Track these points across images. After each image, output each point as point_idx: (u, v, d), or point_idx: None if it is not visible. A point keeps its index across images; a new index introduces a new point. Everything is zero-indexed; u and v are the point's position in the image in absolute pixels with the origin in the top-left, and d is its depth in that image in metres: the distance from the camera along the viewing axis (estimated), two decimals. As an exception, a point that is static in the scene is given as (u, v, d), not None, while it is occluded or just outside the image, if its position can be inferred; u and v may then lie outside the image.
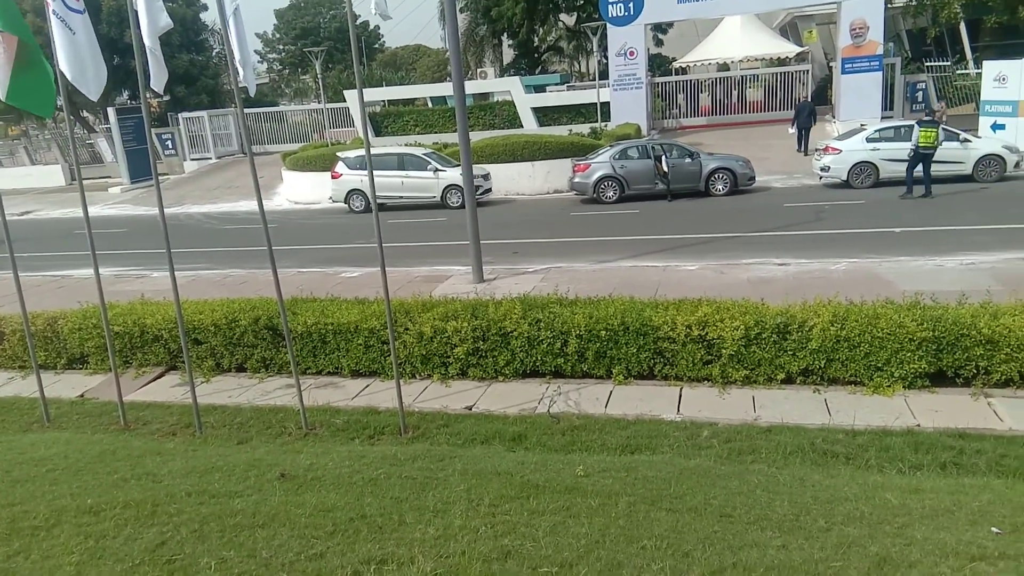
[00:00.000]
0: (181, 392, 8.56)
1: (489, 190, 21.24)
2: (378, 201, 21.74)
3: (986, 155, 17.70)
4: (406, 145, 24.17)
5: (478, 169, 21.25)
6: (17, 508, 4.73)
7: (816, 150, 19.66)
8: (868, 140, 18.12)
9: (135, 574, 3.72)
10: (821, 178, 19.15)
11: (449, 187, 20.47)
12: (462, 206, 19.89)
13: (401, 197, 21.15)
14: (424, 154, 20.87)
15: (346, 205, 21.57)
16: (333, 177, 21.47)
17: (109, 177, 33.02)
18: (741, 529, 4.24)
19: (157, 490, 5.00)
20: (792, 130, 24.14)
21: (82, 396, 8.89)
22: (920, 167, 16.66)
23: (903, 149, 17.23)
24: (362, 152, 21.71)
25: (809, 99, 25.68)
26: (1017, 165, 17.74)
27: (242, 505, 4.63)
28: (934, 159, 16.87)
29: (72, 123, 9.14)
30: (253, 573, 3.68)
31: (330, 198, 22.14)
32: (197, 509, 4.56)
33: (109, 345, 8.06)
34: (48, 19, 6.72)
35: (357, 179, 20.69)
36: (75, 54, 6.78)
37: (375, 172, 20.61)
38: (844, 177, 18.44)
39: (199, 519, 4.38)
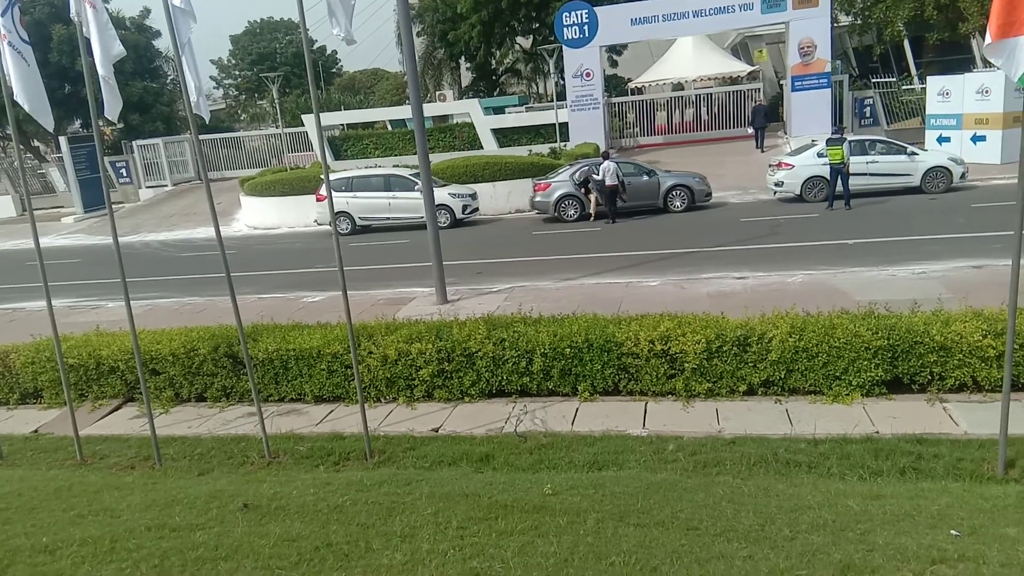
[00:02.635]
0: (139, 424, 8.37)
1: (477, 209, 21.25)
2: (365, 223, 21.51)
3: (933, 167, 18.30)
4: (366, 168, 24.07)
5: (465, 188, 21.33)
6: (-32, 550, 4.57)
7: (770, 166, 20.11)
8: (819, 155, 18.53)
9: (93, 613, 3.62)
10: (776, 193, 19.55)
11: (437, 207, 20.39)
12: (451, 225, 19.99)
13: (388, 218, 21.04)
14: (411, 174, 20.72)
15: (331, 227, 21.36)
16: (318, 200, 21.28)
17: (62, 207, 32.30)
18: (708, 541, 4.27)
19: (116, 526, 4.87)
20: (750, 130, 26.85)
21: (36, 432, 8.63)
22: (839, 182, 17.48)
23: (855, 163, 17.84)
24: (347, 174, 21.62)
25: (764, 103, 27.55)
26: (963, 176, 18.35)
27: (204, 538, 4.53)
28: (885, 172, 17.81)
29: (21, 152, 8.96)
30: (216, 607, 3.59)
31: (316, 221, 21.98)
32: (157, 544, 4.45)
33: (63, 378, 7.85)
34: (3, 51, 6.62)
35: (343, 201, 20.50)
36: (29, 86, 6.71)
37: (363, 194, 20.88)
38: (797, 191, 18.90)
39: (160, 554, 4.28)
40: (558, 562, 3.97)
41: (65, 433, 8.03)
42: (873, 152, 18.63)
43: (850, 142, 18.09)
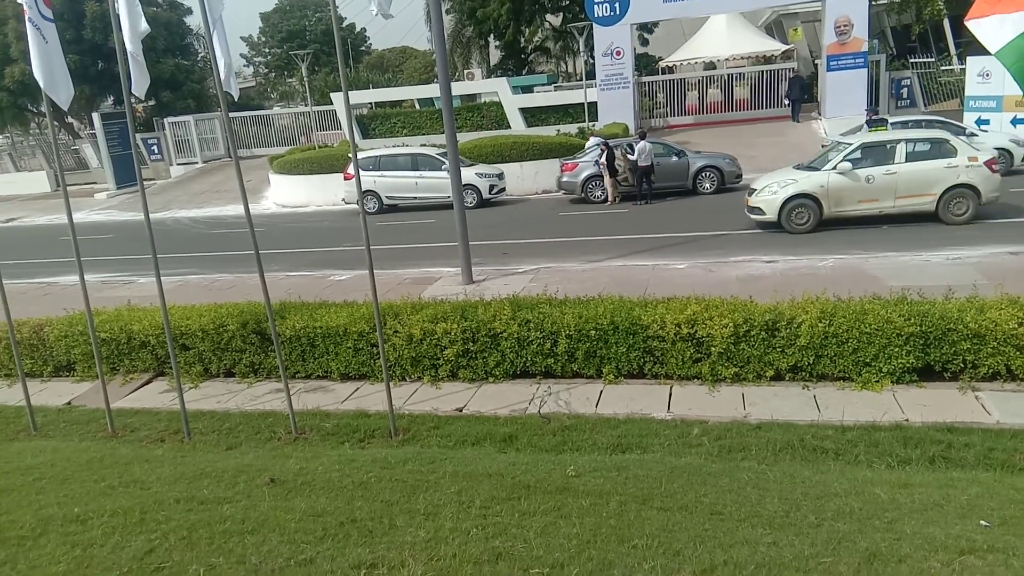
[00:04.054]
0: (169, 398, 8.51)
1: (503, 189, 21.19)
2: (392, 202, 21.56)
3: (995, 149, 17.53)
4: (394, 147, 24.08)
5: (492, 168, 21.23)
6: (3, 518, 4.69)
7: (823, 147, 19.44)
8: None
9: (123, 583, 3.69)
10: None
11: (464, 187, 20.39)
12: (478, 206, 19.95)
13: (415, 198, 21.01)
14: (438, 154, 20.66)
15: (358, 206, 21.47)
16: (345, 178, 21.33)
17: (95, 183, 32.79)
18: (732, 527, 4.24)
19: (145, 497, 4.96)
20: (786, 102, 27.03)
21: (69, 404, 8.82)
22: None
23: None
24: (374, 153, 21.61)
25: (802, 74, 27.34)
26: None
27: (231, 511, 4.60)
28: None
29: (55, 129, 9.07)
30: (242, 579, 3.65)
31: (343, 199, 21.99)
32: (186, 516, 4.53)
33: (95, 352, 8.00)
34: (26, 26, 6.69)
35: (370, 180, 20.51)
36: (47, 62, 6.77)
37: (390, 173, 20.90)
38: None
39: (188, 526, 4.35)
40: (580, 543, 3.97)
41: (97, 406, 8.19)
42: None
43: (907, 122, 17.43)
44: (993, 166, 13.31)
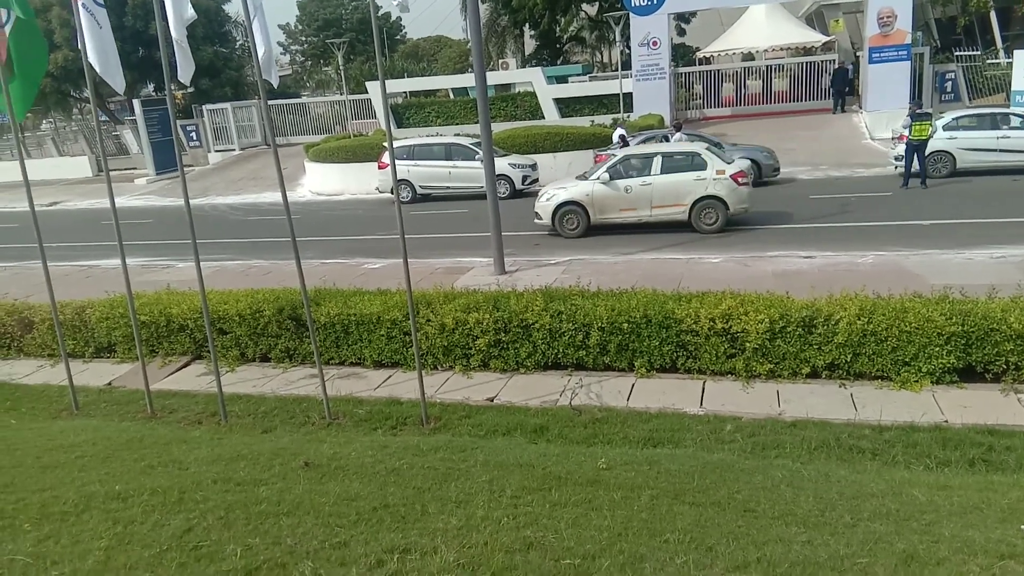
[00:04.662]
0: (206, 381, 8.66)
1: (537, 180, 21.16)
2: (425, 191, 21.66)
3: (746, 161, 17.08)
4: (428, 136, 24.14)
5: (526, 159, 21.21)
6: (47, 493, 4.81)
7: (892, 139, 19.03)
8: (945, 128, 17.40)
9: (162, 560, 3.77)
10: (896, 168, 18.15)
11: (497, 178, 20.40)
12: (510, 196, 19.94)
13: (448, 187, 21.01)
14: (472, 144, 20.67)
15: (392, 195, 21.63)
16: (380, 167, 21.47)
17: (135, 168, 33.39)
18: (765, 524, 4.21)
19: (184, 477, 5.06)
20: (831, 93, 27.24)
21: (110, 384, 9.02)
22: (916, 158, 16.63)
23: (984, 138, 16.95)
24: (408, 142, 21.68)
25: (847, 65, 27.32)
26: None
27: (267, 493, 4.67)
28: (1007, 149, 16.70)
29: (99, 115, 9.25)
30: (278, 560, 3.70)
31: (377, 188, 22.07)
32: (223, 496, 4.61)
33: (136, 334, 8.17)
34: (77, 12, 6.81)
35: (404, 169, 20.58)
36: (102, 47, 6.89)
37: (424, 162, 20.98)
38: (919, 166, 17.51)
39: (225, 506, 4.42)
40: (612, 536, 3.97)
41: (136, 387, 8.37)
42: (1006, 127, 17.19)
43: (976, 116, 17.08)
44: (739, 179, 13.99)
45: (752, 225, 14.45)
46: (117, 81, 7.10)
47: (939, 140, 17.42)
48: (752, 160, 18.89)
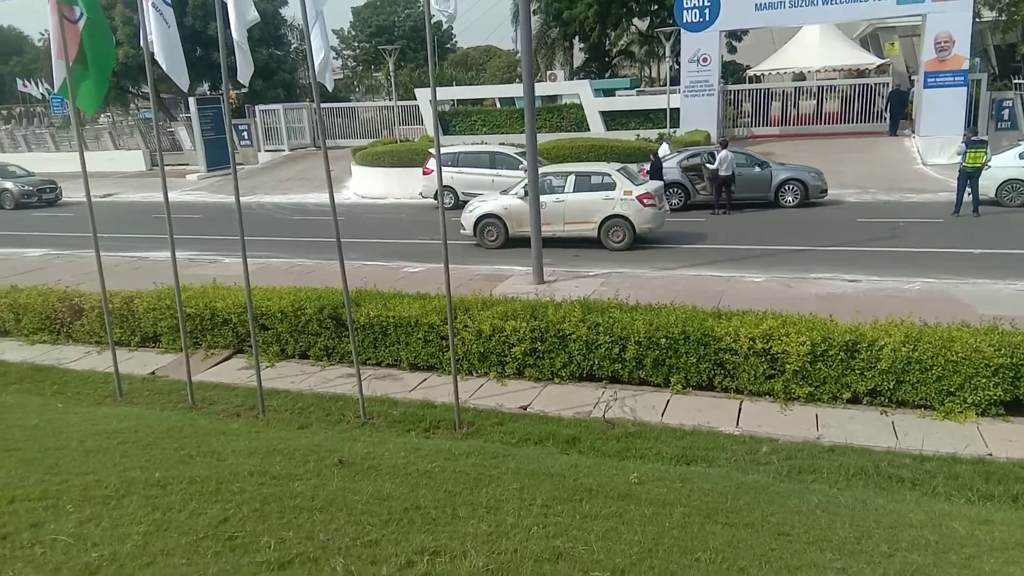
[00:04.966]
0: (246, 375, 8.82)
1: None
2: (468, 198, 21.77)
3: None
4: (473, 144, 24.29)
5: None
6: (90, 477, 4.95)
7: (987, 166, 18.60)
8: (1021, 156, 16.96)
9: (199, 547, 3.85)
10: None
11: None
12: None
13: None
14: (516, 153, 20.75)
15: (436, 200, 21.86)
16: (424, 173, 21.71)
17: (187, 164, 34.21)
18: (799, 548, 4.14)
19: (221, 468, 5.16)
20: (886, 116, 27.12)
21: (153, 373, 9.24)
22: (968, 186, 16.21)
23: None
24: (453, 149, 21.88)
25: (901, 87, 27.12)
26: None
27: (301, 488, 4.74)
28: None
29: (157, 112, 9.52)
30: (310, 555, 3.76)
31: (420, 193, 22.35)
32: (259, 489, 4.69)
33: (181, 326, 8.36)
34: (145, 11, 7.03)
35: (448, 176, 20.74)
36: (168, 46, 7.11)
37: (468, 169, 21.13)
38: (992, 194, 17.09)
39: (260, 499, 4.50)
40: (642, 551, 3.94)
41: (179, 377, 8.56)
42: None
43: None
44: (644, 200, 14.45)
45: (802, 245, 14.25)
46: (182, 79, 7.34)
47: (1014, 168, 16.99)
48: (799, 180, 18.66)
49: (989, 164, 16.52)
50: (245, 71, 6.92)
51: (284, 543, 3.88)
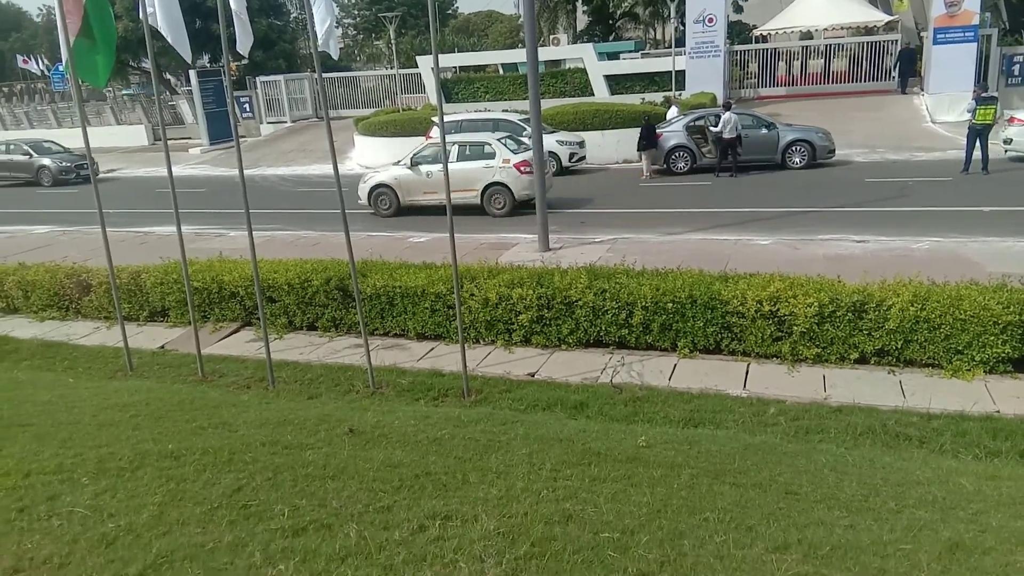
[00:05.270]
0: (255, 347, 8.88)
1: (583, 157, 21.02)
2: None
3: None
4: (476, 111, 24.08)
5: (573, 136, 21.04)
6: (104, 450, 5.01)
7: (1006, 120, 18.32)
8: None
9: (213, 516, 3.90)
10: (1006, 151, 17.53)
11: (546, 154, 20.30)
12: (557, 173, 19.77)
13: None
14: (520, 120, 20.55)
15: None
16: (427, 139, 21.59)
17: (189, 138, 34.09)
18: (807, 507, 4.17)
19: (233, 439, 5.22)
20: (895, 73, 26.96)
21: (163, 347, 9.31)
22: (978, 143, 15.96)
23: None
24: (456, 117, 21.70)
25: (910, 45, 26.92)
26: None
27: (313, 457, 4.79)
28: None
29: (159, 86, 9.46)
30: (324, 521, 3.81)
31: None
32: (271, 459, 4.75)
33: (189, 300, 8.40)
34: None
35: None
36: (171, 17, 7.04)
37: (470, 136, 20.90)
38: None
39: (273, 468, 4.56)
40: (651, 512, 3.98)
41: (188, 351, 8.62)
42: None
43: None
44: (522, 168, 15.04)
45: (809, 207, 14.16)
46: (185, 50, 7.28)
47: None
48: (806, 141, 18.47)
49: (999, 120, 16.29)
50: (244, 42, 6.86)
51: (297, 511, 3.94)
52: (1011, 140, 17.24)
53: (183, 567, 3.44)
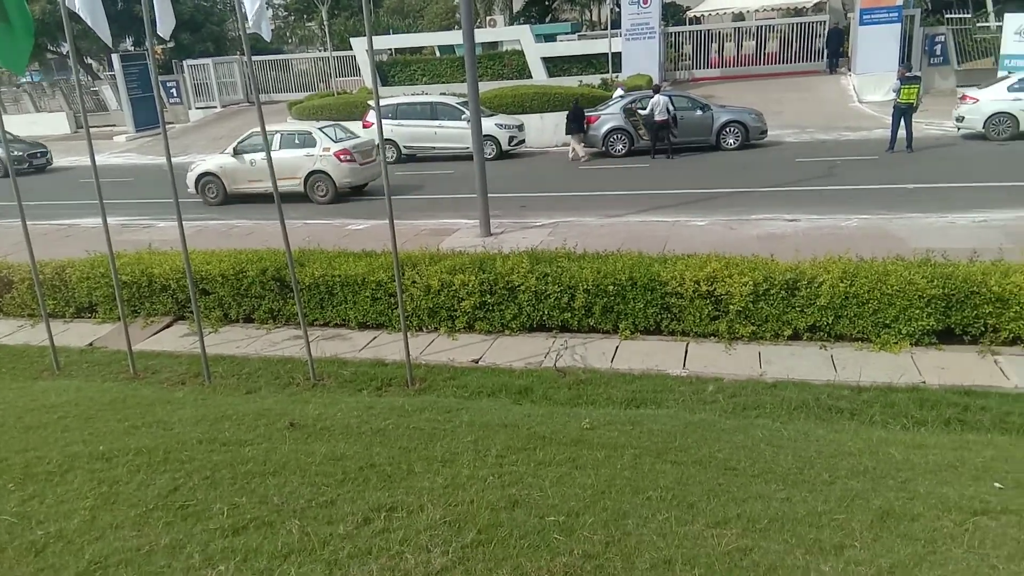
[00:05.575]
0: (189, 342, 8.63)
1: (523, 141, 20.98)
2: (410, 151, 21.66)
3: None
4: (413, 95, 23.80)
5: (512, 119, 20.96)
6: (31, 454, 4.81)
7: (958, 98, 18.74)
8: (1010, 90, 17.14)
9: (149, 519, 3.79)
10: (959, 129, 18.08)
11: (485, 138, 20.19)
12: (497, 157, 19.74)
13: (434, 148, 20.77)
14: (458, 103, 20.38)
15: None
16: (364, 127, 21.21)
17: (114, 125, 32.79)
18: (745, 482, 4.28)
19: (168, 438, 5.06)
20: (825, 55, 27.64)
21: (91, 345, 8.96)
22: (903, 122, 16.54)
23: None
24: (392, 101, 21.39)
25: (839, 25, 27.56)
26: None
27: (253, 453, 4.69)
28: None
29: (78, 70, 9.04)
30: (265, 519, 3.74)
31: None
32: (208, 456, 4.63)
33: (117, 294, 8.09)
34: None
35: (388, 129, 20.30)
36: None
37: (409, 122, 20.74)
38: (980, 128, 17.40)
39: (211, 466, 4.44)
40: (595, 494, 4.03)
41: (118, 347, 8.32)
42: None
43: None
44: (341, 156, 15.77)
45: (743, 187, 14.45)
46: (105, 33, 6.95)
47: (1003, 102, 17.17)
48: (739, 122, 18.84)
49: (922, 100, 16.89)
50: (166, 24, 6.59)
51: (237, 509, 3.85)
52: (963, 118, 17.77)
53: (118, 572, 3.34)
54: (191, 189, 16.66)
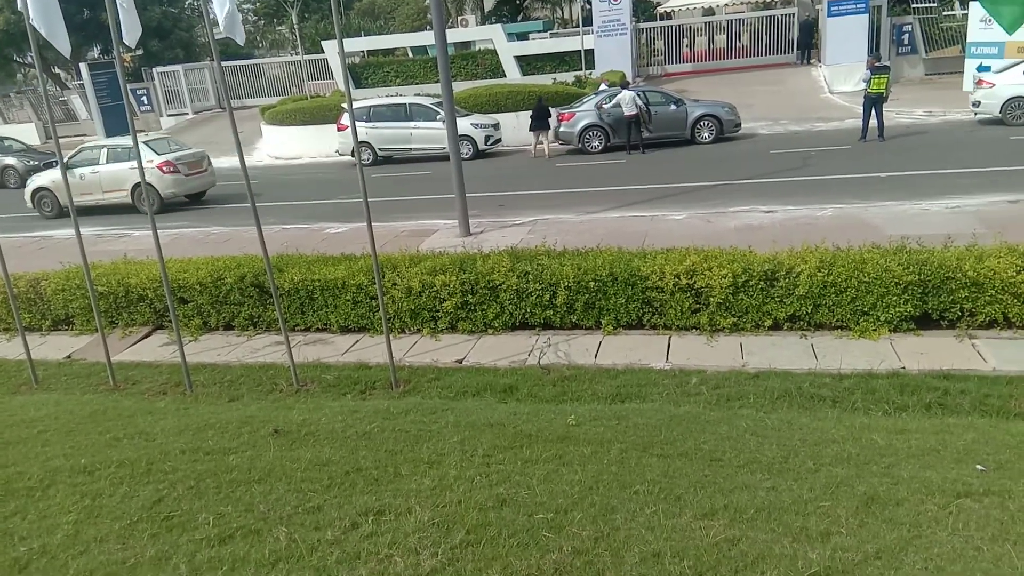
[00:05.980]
0: (169, 351, 8.53)
1: (499, 140, 20.96)
2: (386, 153, 21.63)
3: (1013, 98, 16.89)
4: (387, 97, 23.70)
5: (488, 118, 20.94)
6: (11, 469, 4.74)
7: (973, 85, 18.69)
8: None
9: (134, 531, 3.75)
10: (976, 114, 18.03)
11: (461, 137, 20.15)
12: (473, 157, 19.70)
13: (410, 149, 20.69)
14: (433, 104, 20.32)
15: (353, 157, 21.33)
16: (339, 129, 21.08)
17: (84, 135, 32.30)
18: (731, 472, 4.31)
19: (151, 448, 5.01)
20: (796, 48, 28.08)
21: (69, 357, 8.83)
22: (873, 112, 16.71)
23: None
24: (366, 103, 21.28)
25: (810, 17, 27.91)
26: None
27: (237, 461, 4.65)
28: None
29: (45, 80, 8.90)
30: (251, 527, 3.71)
31: (337, 151, 21.78)
32: (192, 466, 4.58)
33: (94, 306, 7.98)
34: None
35: (363, 131, 20.18)
36: (44, 8, 6.60)
37: (384, 123, 20.67)
38: (997, 112, 17.26)
39: (195, 476, 4.40)
40: (583, 490, 4.04)
41: (97, 359, 8.21)
42: None
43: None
44: (163, 168, 16.47)
45: (719, 180, 14.55)
46: (63, 44, 6.83)
47: (1020, 86, 17.06)
48: (713, 116, 18.96)
49: (891, 90, 17.10)
50: (132, 32, 6.50)
51: (223, 518, 3.82)
52: (979, 103, 17.72)
53: (104, 587, 3.29)
54: (29, 204, 17.20)
